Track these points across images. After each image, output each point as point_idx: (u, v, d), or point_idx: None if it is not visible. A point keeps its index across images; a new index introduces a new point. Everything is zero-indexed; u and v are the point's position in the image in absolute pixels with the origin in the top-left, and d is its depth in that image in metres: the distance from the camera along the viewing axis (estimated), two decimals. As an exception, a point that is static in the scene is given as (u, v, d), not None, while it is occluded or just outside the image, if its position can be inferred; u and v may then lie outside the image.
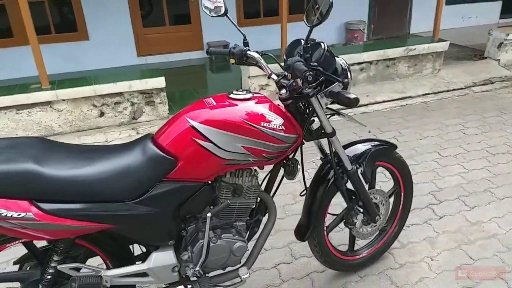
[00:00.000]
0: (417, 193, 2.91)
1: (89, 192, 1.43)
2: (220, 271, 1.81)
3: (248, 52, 1.77)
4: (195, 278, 1.71)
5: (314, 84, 1.64)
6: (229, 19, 1.81)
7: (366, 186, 1.98)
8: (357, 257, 2.22)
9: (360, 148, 2.02)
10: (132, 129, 4.23)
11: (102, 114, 4.27)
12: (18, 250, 1.58)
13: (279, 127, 1.60)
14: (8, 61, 5.76)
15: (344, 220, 2.07)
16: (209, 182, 1.64)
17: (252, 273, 2.25)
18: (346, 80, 1.66)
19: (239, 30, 1.81)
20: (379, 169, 2.15)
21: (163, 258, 1.64)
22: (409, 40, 6.46)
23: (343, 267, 2.20)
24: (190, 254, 1.69)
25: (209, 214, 1.63)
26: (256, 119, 1.56)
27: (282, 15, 4.69)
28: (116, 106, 4.28)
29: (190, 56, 6.73)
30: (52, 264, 1.52)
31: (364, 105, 4.65)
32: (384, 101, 4.76)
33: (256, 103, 1.62)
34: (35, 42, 3.94)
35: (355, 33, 7.20)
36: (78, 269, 1.55)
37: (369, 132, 3.96)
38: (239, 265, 1.81)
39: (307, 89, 1.65)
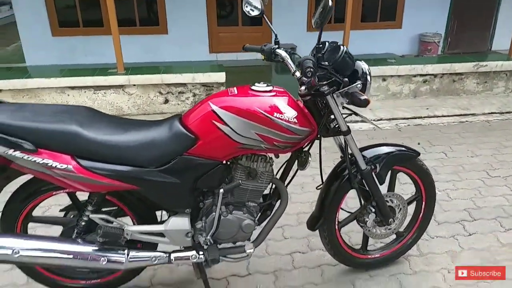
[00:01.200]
0: (452, 208, 2.87)
1: (121, 155, 1.69)
2: (230, 245, 1.99)
3: (277, 50, 1.93)
4: (206, 246, 1.91)
5: (325, 82, 1.76)
6: (265, 20, 1.99)
7: (384, 188, 2.05)
8: (369, 256, 2.28)
9: (380, 150, 2.09)
10: (191, 117, 4.57)
11: (166, 101, 4.68)
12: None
13: (291, 119, 1.74)
14: (97, 48, 6.45)
15: (357, 218, 2.15)
16: (224, 162, 1.83)
17: (267, 256, 2.41)
18: (345, 80, 1.77)
19: (272, 30, 1.98)
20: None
21: (179, 223, 1.87)
22: (483, 56, 6.12)
23: (354, 264, 2.27)
24: (203, 223, 1.90)
25: (221, 190, 1.82)
26: (270, 110, 1.71)
27: (347, 23, 4.76)
28: (180, 95, 4.66)
29: (258, 56, 6.96)
30: (86, 213, 1.82)
31: (420, 117, 4.55)
32: (443, 116, 4.61)
33: (274, 96, 1.78)
34: (116, 33, 4.45)
35: (428, 45, 6.97)
36: (106, 221, 1.83)
37: (418, 144, 3.89)
38: (247, 242, 1.99)
39: (323, 87, 1.78)
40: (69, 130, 1.64)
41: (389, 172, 2.14)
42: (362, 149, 2.09)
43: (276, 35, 1.96)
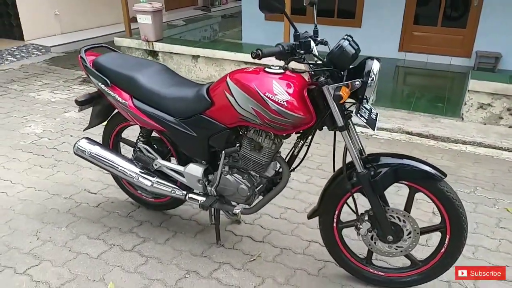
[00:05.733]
0: None
1: (160, 103, 2.22)
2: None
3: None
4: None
5: (309, 69, 1.81)
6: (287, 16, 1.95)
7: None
8: (371, 271, 2.14)
9: (394, 160, 1.94)
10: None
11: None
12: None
13: (281, 101, 1.87)
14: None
15: (355, 224, 2.06)
16: (230, 128, 2.10)
17: (288, 235, 2.56)
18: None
19: (293, 25, 1.95)
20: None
21: (194, 169, 2.29)
22: None
23: (351, 271, 2.17)
24: (213, 177, 2.25)
25: (223, 152, 2.13)
26: (264, 89, 1.89)
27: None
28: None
29: (452, 61, 6.30)
30: (138, 142, 2.45)
31: None
32: None
33: (279, 78, 1.93)
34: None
35: None
36: (148, 151, 2.41)
37: None
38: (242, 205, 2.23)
39: (321, 78, 1.82)
40: (131, 76, 2.26)
41: (408, 190, 1.97)
42: (380, 154, 2.00)
43: (296, 29, 1.86)
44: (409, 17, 6.43)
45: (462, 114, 4.33)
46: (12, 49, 6.97)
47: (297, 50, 1.81)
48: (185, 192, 2.35)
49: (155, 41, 5.83)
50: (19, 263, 2.30)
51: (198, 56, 5.63)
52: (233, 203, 2.29)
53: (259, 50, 1.72)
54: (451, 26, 6.25)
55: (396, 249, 2.01)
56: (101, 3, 8.67)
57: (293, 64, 1.88)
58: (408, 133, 4.09)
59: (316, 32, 2.03)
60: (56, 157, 3.53)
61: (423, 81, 6.08)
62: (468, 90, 4.20)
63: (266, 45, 6.99)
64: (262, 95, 1.89)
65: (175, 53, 5.77)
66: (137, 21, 5.79)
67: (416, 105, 4.74)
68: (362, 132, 4.10)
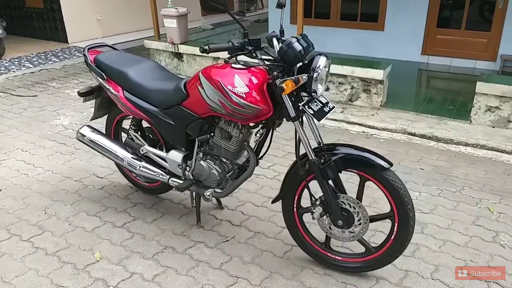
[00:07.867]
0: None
1: (145, 95, 2.49)
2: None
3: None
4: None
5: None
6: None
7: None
8: (329, 255, 2.28)
9: (344, 149, 2.08)
10: (343, 109, 4.81)
11: (327, 89, 5.07)
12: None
13: (240, 93, 2.06)
14: (320, 37, 7.26)
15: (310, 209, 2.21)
16: (203, 118, 2.32)
17: (265, 222, 2.74)
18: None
19: (241, 25, 2.20)
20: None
21: (175, 155, 2.53)
22: None
23: (311, 254, 2.32)
24: (190, 162, 2.49)
25: (197, 139, 2.36)
26: (226, 82, 2.10)
27: None
28: (339, 86, 4.96)
29: (476, 65, 6.17)
30: (130, 130, 2.74)
31: None
32: None
33: (242, 73, 2.12)
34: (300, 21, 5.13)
35: None
36: (137, 138, 2.70)
37: None
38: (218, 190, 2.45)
39: (274, 73, 2.01)
40: (122, 71, 2.56)
41: (359, 178, 2.10)
42: (334, 145, 2.15)
43: (244, 28, 2.15)
44: (432, 20, 6.38)
45: (471, 117, 4.29)
46: (56, 50, 7.64)
47: (246, 47, 2.00)
48: (168, 176, 2.61)
49: (180, 44, 6.19)
50: (25, 232, 2.65)
51: (218, 58, 5.91)
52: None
53: (206, 46, 1.93)
54: (475, 29, 6.13)
55: (349, 234, 2.14)
56: (138, 9, 9.22)
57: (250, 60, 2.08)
58: (411, 134, 4.13)
59: (282, 32, 2.21)
60: (75, 146, 3.92)
61: (441, 84, 6.01)
62: (476, 93, 4.16)
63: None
64: (225, 87, 2.10)
65: (198, 55, 6.10)
66: (166, 25, 6.20)
67: (426, 108, 4.73)
68: (363, 132, 4.19)
